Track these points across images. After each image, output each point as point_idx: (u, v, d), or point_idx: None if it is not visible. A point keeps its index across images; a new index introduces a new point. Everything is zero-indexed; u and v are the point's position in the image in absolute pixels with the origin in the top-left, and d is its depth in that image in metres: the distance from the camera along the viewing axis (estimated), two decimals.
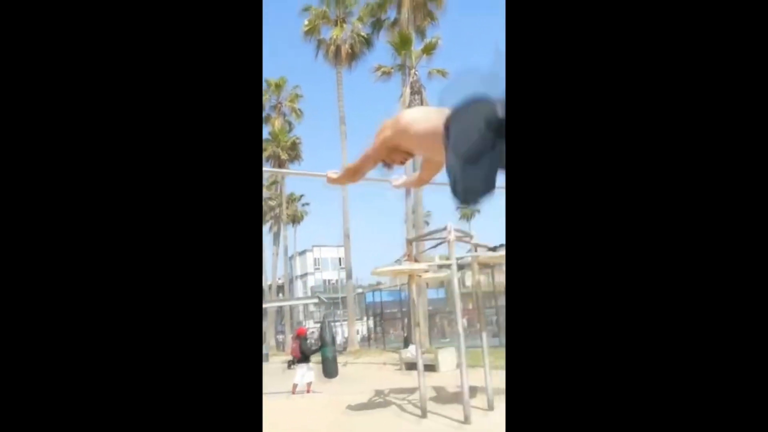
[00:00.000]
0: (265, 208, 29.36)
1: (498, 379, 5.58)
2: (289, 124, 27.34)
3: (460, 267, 6.52)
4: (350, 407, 7.02)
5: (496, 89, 1.42)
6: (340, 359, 10.98)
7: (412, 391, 7.37)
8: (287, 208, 30.24)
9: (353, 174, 2.17)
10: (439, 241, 5.69)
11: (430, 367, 9.62)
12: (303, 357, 9.17)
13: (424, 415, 6.07)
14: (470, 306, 17.02)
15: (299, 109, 27.06)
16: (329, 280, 39.38)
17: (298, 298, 33.58)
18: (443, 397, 7.27)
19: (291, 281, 37.78)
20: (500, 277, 14.18)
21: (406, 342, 13.71)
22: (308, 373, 9.09)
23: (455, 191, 1.63)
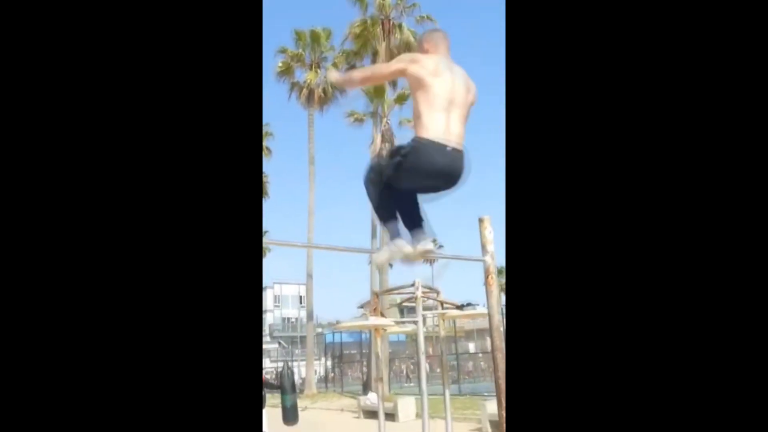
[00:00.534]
0: None
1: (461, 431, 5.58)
2: None
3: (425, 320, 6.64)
4: None
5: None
6: (298, 403, 10.80)
7: None
8: None
9: (356, 82, 2.37)
10: (406, 295, 5.86)
11: (390, 416, 9.56)
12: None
13: None
14: (430, 351, 17.04)
15: (268, 148, 27.04)
16: (289, 318, 38.57)
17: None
18: None
19: None
20: (460, 323, 14.35)
21: (365, 388, 13.59)
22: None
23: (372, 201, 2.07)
